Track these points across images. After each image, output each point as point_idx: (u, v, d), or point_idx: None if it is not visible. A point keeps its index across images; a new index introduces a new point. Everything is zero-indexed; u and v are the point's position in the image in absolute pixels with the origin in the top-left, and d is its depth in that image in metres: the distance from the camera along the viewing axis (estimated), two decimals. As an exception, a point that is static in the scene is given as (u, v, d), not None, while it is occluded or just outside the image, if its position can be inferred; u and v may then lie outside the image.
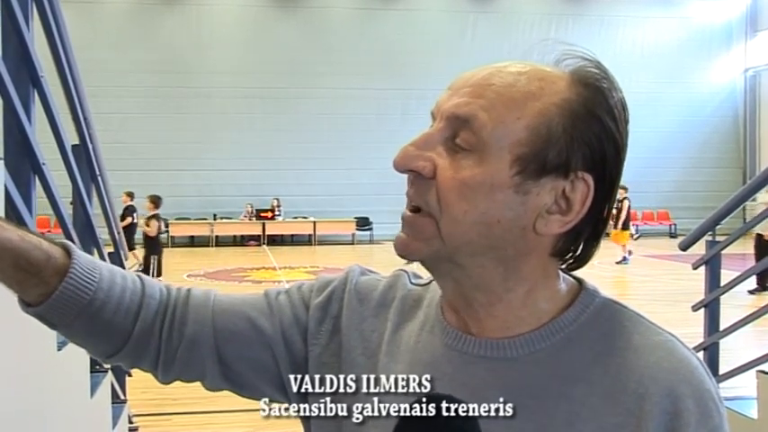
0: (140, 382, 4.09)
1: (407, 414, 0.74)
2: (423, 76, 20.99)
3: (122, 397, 4.09)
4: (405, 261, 0.91)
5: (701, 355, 4.51)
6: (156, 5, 22.79)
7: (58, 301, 0.90)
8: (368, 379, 0.92)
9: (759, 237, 11.34)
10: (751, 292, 11.04)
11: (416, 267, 0.96)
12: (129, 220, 14.20)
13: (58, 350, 2.40)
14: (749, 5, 25.56)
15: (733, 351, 5.28)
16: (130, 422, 4.61)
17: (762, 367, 3.89)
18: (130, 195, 14.91)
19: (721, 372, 4.40)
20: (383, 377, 0.91)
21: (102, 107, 16.73)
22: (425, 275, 1.01)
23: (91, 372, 3.01)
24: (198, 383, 1.03)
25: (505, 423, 0.83)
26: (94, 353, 1.00)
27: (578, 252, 0.89)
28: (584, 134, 0.83)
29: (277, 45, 22.96)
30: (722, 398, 0.85)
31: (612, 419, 0.82)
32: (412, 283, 1.02)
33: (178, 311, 0.98)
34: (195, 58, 22.64)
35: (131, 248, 14.43)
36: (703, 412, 0.82)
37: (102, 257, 3.99)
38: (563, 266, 0.91)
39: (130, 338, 0.96)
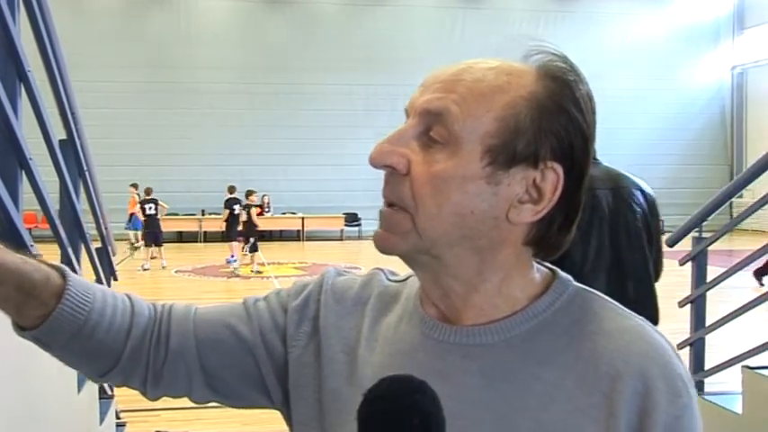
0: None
1: (370, 395, 0.74)
2: (411, 72, 20.86)
3: (109, 392, 4.08)
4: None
5: (686, 350, 4.54)
6: (143, 0, 22.70)
7: (54, 323, 0.92)
8: (348, 377, 0.95)
9: None
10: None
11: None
12: (227, 213, 16.13)
13: (46, 346, 2.39)
14: (736, 3, 25.68)
15: (719, 347, 5.31)
16: (118, 417, 4.60)
17: (747, 363, 3.93)
18: (231, 190, 16.48)
19: (707, 367, 4.43)
20: (362, 374, 0.93)
21: (90, 102, 16.64)
22: (402, 273, 1.04)
23: (78, 367, 3.00)
24: None
25: (479, 405, 0.86)
26: (88, 372, 1.02)
27: (551, 241, 0.91)
28: (552, 125, 0.86)
29: (265, 40, 22.90)
30: (692, 380, 0.88)
31: (586, 401, 0.84)
32: (389, 279, 1.05)
33: (163, 327, 1.01)
34: (183, 54, 22.55)
35: (233, 239, 16.04)
36: (672, 392, 0.84)
37: (89, 253, 3.98)
38: (537, 256, 0.93)
39: (122, 357, 0.99)
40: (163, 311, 1.03)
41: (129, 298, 1.01)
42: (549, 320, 0.90)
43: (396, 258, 0.93)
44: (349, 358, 0.97)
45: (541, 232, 0.89)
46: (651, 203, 2.85)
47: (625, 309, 0.92)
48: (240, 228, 15.71)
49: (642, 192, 2.83)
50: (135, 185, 18.84)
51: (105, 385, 3.91)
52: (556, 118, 0.86)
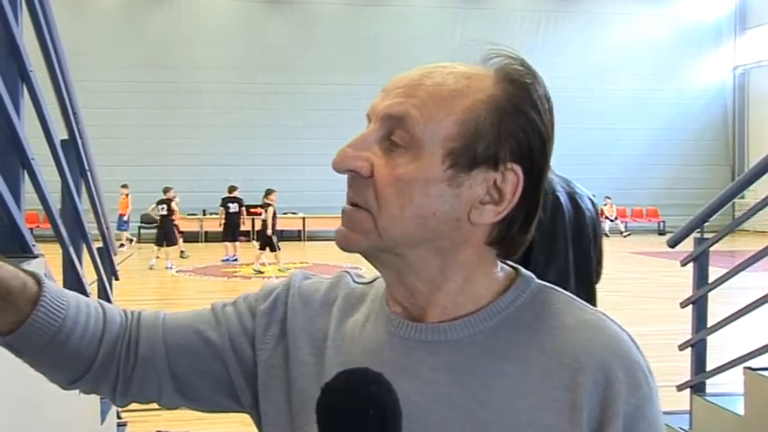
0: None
1: (328, 388, 0.76)
2: (413, 73, 20.95)
3: (111, 393, 4.07)
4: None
5: (688, 351, 4.54)
6: (144, 0, 22.71)
7: (28, 329, 0.92)
8: (317, 378, 0.95)
9: None
10: None
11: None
12: (222, 211, 16.68)
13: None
14: (738, 3, 25.69)
15: (721, 348, 5.31)
16: (119, 417, 4.60)
17: (749, 364, 3.92)
18: (231, 189, 16.97)
19: (709, 368, 4.43)
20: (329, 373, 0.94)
21: (92, 102, 16.65)
22: (368, 276, 1.05)
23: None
24: None
25: (446, 401, 0.87)
26: (59, 379, 1.02)
27: (513, 241, 0.93)
28: (511, 128, 0.88)
29: (266, 40, 22.91)
30: (651, 370, 0.89)
31: (550, 394, 0.86)
32: (355, 281, 1.06)
33: (132, 333, 1.02)
34: (184, 54, 22.56)
35: (231, 239, 16.53)
36: (633, 382, 0.86)
37: (90, 253, 3.98)
38: (498, 254, 0.94)
39: (94, 364, 0.99)
40: (132, 318, 1.03)
41: (101, 305, 1.02)
42: (512, 316, 0.91)
43: None
44: (317, 360, 0.98)
45: (503, 232, 0.91)
46: (596, 209, 3.08)
47: (585, 303, 0.94)
48: (259, 228, 15.64)
49: (589, 198, 3.04)
50: (125, 185, 18.93)
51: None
52: (515, 120, 0.88)
